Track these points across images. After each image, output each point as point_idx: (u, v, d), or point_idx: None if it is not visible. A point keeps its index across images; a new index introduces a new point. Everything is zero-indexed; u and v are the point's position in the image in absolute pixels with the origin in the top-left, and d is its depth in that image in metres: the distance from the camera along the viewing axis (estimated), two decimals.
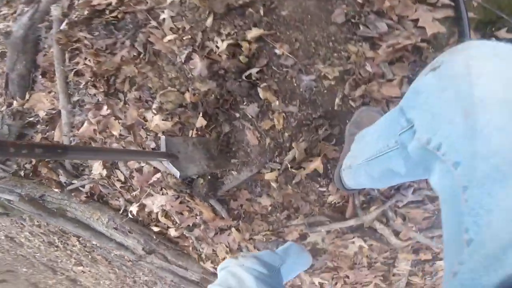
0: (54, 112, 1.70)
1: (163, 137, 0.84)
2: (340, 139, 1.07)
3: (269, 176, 1.14)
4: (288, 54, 1.11)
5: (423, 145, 0.35)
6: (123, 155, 0.84)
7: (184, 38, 1.22)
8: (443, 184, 0.33)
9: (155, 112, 1.27)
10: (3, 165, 1.72)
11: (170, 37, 1.25)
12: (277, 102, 1.09)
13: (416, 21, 1.03)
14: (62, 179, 1.66)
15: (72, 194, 1.57)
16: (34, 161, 1.71)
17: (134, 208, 1.38)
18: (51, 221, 1.58)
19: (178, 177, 0.85)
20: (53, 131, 1.63)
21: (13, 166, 1.75)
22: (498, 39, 1.06)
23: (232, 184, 1.19)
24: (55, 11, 2.13)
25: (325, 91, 1.08)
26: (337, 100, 1.06)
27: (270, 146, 1.13)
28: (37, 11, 2.35)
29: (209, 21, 1.20)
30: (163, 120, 1.25)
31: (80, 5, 1.65)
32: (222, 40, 1.17)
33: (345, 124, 1.04)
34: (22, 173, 1.70)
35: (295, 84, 1.10)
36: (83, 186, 1.57)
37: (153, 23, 1.33)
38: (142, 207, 1.40)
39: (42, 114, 1.71)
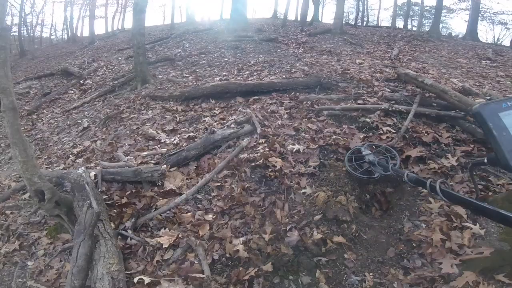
0: (176, 191, 2.27)
1: None
2: None
3: None
4: (352, 260, 1.77)
5: None
6: None
7: (294, 217, 1.98)
8: None
9: (241, 242, 1.82)
10: None
11: (286, 210, 2.03)
12: (324, 283, 1.65)
13: (440, 263, 1.64)
14: (127, 224, 1.96)
15: (118, 237, 1.82)
16: (125, 197, 2.06)
17: None
18: None
19: None
20: (161, 198, 2.26)
21: None
22: (494, 280, 1.53)
23: None
24: (245, 142, 2.77)
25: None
26: None
27: None
28: (236, 133, 2.92)
29: (317, 218, 1.94)
30: (243, 249, 1.76)
31: (261, 154, 2.50)
32: (317, 232, 1.85)
33: None
34: None
35: (344, 278, 1.70)
36: (130, 239, 1.87)
37: (283, 196, 2.20)
38: None
39: (167, 184, 2.31)
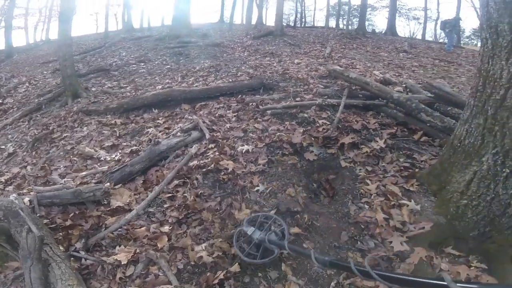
0: (124, 207, 2.19)
1: None
2: None
3: None
4: (310, 248, 1.84)
5: None
6: None
7: (253, 215, 2.04)
8: None
9: (204, 248, 1.82)
10: None
11: (244, 210, 2.08)
12: (291, 275, 1.71)
13: (391, 242, 1.78)
14: (78, 245, 1.86)
15: (70, 259, 1.74)
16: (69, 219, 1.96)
17: None
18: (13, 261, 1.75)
19: None
20: (110, 217, 2.11)
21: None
22: (445, 254, 1.70)
23: None
24: (193, 149, 2.72)
25: (326, 276, 1.71)
26: (332, 284, 1.65)
27: None
28: (183, 141, 2.90)
29: (272, 212, 2.03)
30: (206, 255, 1.76)
31: (212, 159, 2.52)
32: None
33: None
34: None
35: (308, 267, 1.77)
36: (85, 259, 1.77)
37: (239, 197, 2.24)
38: None
39: (113, 202, 2.22)
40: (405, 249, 1.73)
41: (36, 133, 4.38)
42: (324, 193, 2.41)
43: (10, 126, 5.19)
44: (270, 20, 22.55)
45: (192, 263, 1.76)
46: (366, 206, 2.08)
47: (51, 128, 4.41)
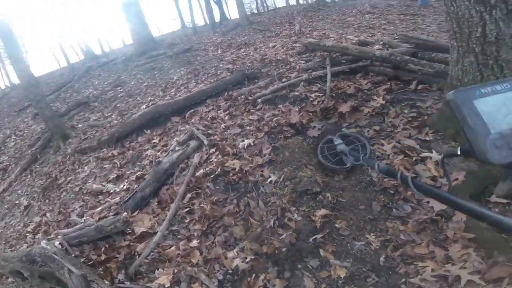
0: (149, 231, 2.20)
1: None
2: (385, 286, 1.48)
3: None
4: (345, 227, 1.76)
5: None
6: None
7: (270, 209, 2.00)
8: None
9: (236, 254, 1.79)
10: None
11: (262, 206, 2.04)
12: (333, 259, 1.63)
13: (428, 202, 1.65)
14: (120, 276, 1.90)
15: None
16: (103, 254, 2.02)
17: None
18: None
19: None
20: (138, 244, 2.14)
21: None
22: (492, 204, 1.60)
23: None
24: (196, 159, 2.66)
25: (372, 252, 1.62)
26: (381, 259, 1.57)
27: None
28: (184, 153, 2.84)
29: (291, 198, 2.00)
30: (241, 262, 1.72)
31: (216, 163, 2.46)
32: (298, 214, 1.90)
33: (388, 275, 1.50)
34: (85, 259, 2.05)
35: (349, 247, 1.68)
36: None
37: (254, 193, 2.20)
38: None
39: (137, 229, 2.21)
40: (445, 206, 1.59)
41: (42, 183, 4.34)
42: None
43: (16, 182, 5.13)
44: (233, 13, 22.16)
45: (230, 271, 1.73)
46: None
47: (54, 175, 4.36)
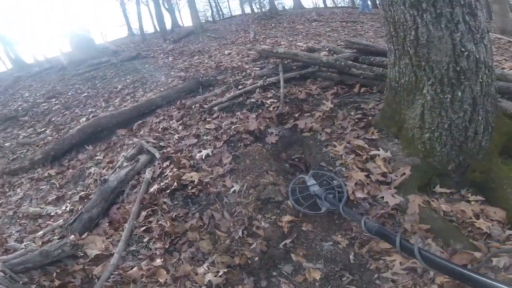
0: (104, 254, 1.97)
1: None
2: (360, 283, 1.51)
3: None
4: (312, 229, 1.78)
5: None
6: None
7: (237, 219, 1.92)
8: None
9: (207, 269, 1.68)
10: None
11: (228, 217, 1.94)
12: (305, 262, 1.63)
13: (382, 197, 1.75)
14: None
15: None
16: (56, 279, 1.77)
17: None
18: None
19: None
20: (94, 267, 1.90)
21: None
22: (437, 194, 1.71)
23: None
24: (148, 174, 2.52)
25: (341, 252, 1.65)
26: (351, 257, 1.60)
27: None
28: (133, 169, 2.65)
29: (255, 207, 1.93)
30: (214, 276, 1.62)
31: (172, 177, 2.29)
32: (264, 222, 1.84)
33: (361, 272, 1.51)
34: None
35: (319, 249, 1.69)
36: None
37: (218, 205, 2.07)
38: None
39: (90, 252, 1.98)
40: (400, 200, 1.70)
41: None
42: (299, 169, 2.40)
43: None
44: (186, 21, 21.69)
45: (204, 287, 1.62)
46: (343, 168, 2.03)
47: None
